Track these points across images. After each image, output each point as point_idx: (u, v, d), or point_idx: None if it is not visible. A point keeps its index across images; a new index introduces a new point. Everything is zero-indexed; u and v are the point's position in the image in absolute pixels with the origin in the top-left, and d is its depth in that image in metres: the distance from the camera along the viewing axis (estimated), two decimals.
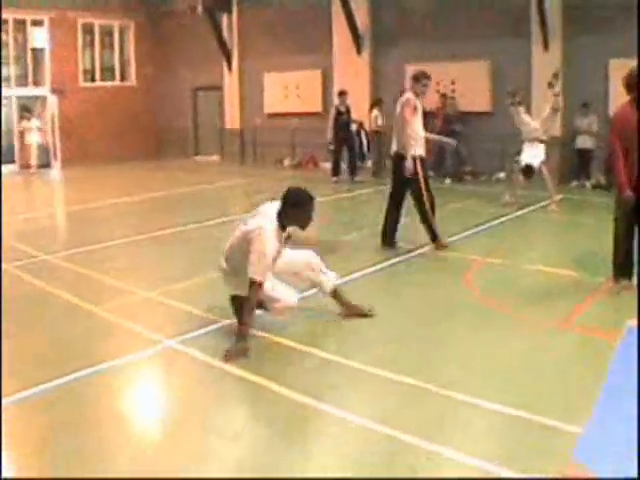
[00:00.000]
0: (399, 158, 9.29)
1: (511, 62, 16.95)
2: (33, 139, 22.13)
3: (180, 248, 9.95)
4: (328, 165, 19.97)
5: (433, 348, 5.91)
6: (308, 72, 21.14)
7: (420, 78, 9.40)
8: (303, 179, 17.31)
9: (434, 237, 9.44)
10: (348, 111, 17.76)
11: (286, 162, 21.84)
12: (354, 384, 5.17)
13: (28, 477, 4.08)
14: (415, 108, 9.22)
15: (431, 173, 17.25)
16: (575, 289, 7.60)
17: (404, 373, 5.22)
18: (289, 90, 21.75)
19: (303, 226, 6.11)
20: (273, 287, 6.17)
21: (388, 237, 9.52)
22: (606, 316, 6.63)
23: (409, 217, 10.01)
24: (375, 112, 18.12)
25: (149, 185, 17.77)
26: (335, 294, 6.58)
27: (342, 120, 17.59)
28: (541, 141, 12.60)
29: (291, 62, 21.29)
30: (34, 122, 22.24)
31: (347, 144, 17.85)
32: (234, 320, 6.18)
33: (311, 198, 6.06)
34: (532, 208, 12.78)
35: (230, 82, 23.49)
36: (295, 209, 5.99)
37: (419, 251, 9.37)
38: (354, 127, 18.32)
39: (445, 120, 17.24)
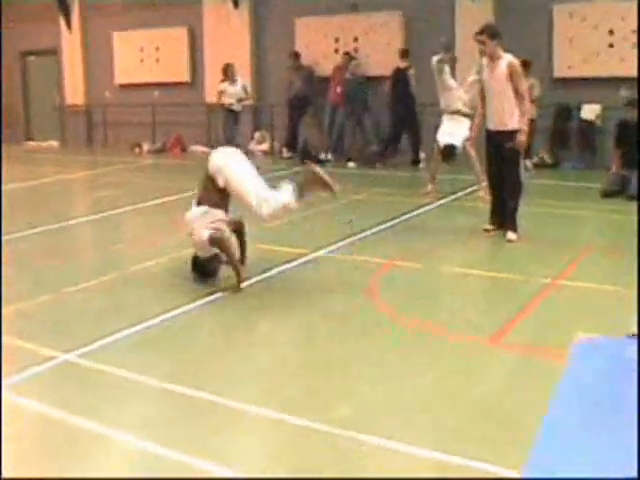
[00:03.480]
0: (502, 134, 9.84)
1: (428, 13, 17.18)
2: None
3: (4, 264, 9.66)
4: (199, 148, 19.88)
5: (323, 379, 5.90)
6: (170, 30, 20.95)
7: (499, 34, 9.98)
8: (170, 170, 17.14)
9: (514, 225, 9.94)
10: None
11: (146, 147, 21.60)
12: (228, 430, 5.12)
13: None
14: None
15: (325, 156, 17.78)
16: (509, 295, 7.75)
17: (288, 411, 5.19)
18: (146, 53, 21.52)
19: None
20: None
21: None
22: (548, 328, 6.75)
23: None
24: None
25: None
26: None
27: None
28: (464, 114, 12.68)
29: (148, 18, 21.08)
30: None
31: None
32: (75, 353, 6.19)
33: None
34: (457, 196, 12.98)
35: (70, 44, 23.08)
36: None
37: (313, 254, 9.39)
38: None
39: (345, 85, 17.37)
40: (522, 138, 9.74)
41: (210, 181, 8.15)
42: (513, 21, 15.88)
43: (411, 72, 16.30)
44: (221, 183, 8.05)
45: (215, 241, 7.98)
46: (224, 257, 8.13)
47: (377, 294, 7.92)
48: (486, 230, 10.24)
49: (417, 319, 7.11)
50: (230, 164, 8.17)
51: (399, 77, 16.54)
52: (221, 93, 17.85)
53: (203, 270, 8.26)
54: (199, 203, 8.21)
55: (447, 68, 12.88)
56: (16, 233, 11.04)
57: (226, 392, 5.55)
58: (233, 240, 8.34)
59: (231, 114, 17.81)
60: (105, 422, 5.17)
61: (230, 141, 17.42)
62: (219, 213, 8.16)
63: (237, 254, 8.30)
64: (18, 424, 5.41)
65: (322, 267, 9.12)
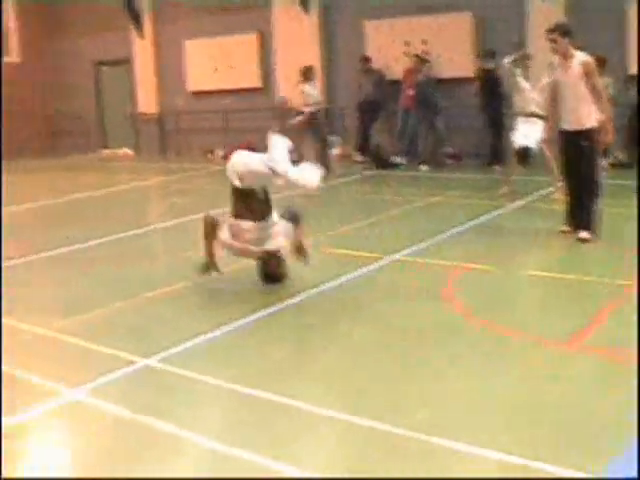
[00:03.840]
0: (578, 133, 9.75)
1: (498, 13, 17.09)
2: None
3: (80, 271, 9.84)
4: None
5: (399, 382, 5.91)
6: (241, 37, 21.12)
7: (571, 32, 9.92)
8: None
9: (589, 225, 9.83)
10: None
11: (218, 152, 21.77)
12: (308, 432, 5.16)
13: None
14: None
15: (398, 159, 17.76)
16: (585, 298, 7.68)
17: (369, 415, 5.22)
18: (217, 60, 21.71)
19: None
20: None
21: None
22: (626, 331, 6.66)
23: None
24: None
25: (39, 190, 17.64)
26: None
27: None
28: (539, 116, 12.50)
29: (219, 25, 21.26)
30: None
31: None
32: (154, 358, 6.31)
33: None
34: (532, 197, 12.88)
35: (142, 54, 23.40)
36: None
37: (389, 259, 9.41)
38: None
39: (418, 89, 17.33)
40: (607, 137, 9.64)
41: (247, 195, 8.25)
42: (584, 19, 15.64)
43: (499, 73, 16.10)
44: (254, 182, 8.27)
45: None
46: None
47: (453, 297, 7.92)
48: (562, 232, 10.13)
49: (493, 322, 7.10)
50: (248, 160, 8.37)
51: (486, 79, 16.36)
52: (303, 95, 17.65)
53: (273, 276, 8.35)
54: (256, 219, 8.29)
55: (519, 70, 12.78)
56: (92, 240, 11.26)
57: (301, 395, 5.60)
58: None
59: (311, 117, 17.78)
60: (183, 425, 5.26)
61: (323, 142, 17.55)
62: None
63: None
64: (98, 427, 5.53)
65: (397, 270, 9.13)
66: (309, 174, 8.44)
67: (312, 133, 17.47)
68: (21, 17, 24.99)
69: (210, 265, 8.44)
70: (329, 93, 19.88)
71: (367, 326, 7.24)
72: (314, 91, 17.64)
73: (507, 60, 12.66)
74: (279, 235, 8.19)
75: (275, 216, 8.30)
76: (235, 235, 8.18)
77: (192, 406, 5.74)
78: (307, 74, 17.69)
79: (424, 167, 17.15)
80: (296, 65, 18.66)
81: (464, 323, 7.18)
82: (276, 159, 8.17)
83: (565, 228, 10.14)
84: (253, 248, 8.17)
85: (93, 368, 6.47)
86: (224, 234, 8.23)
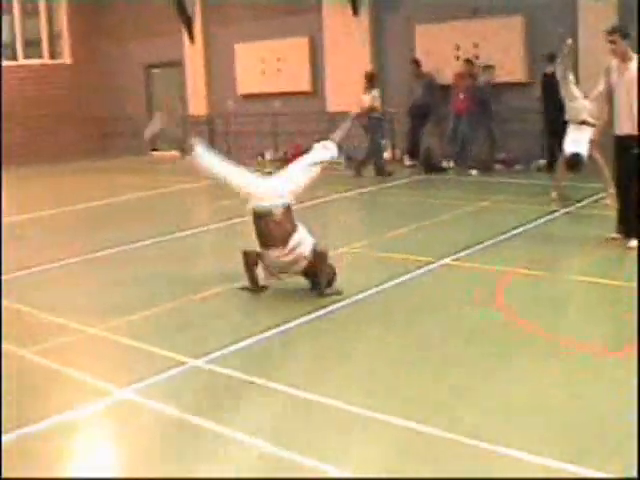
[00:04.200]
0: (631, 138, 9.66)
1: (550, 15, 16.96)
2: None
3: (128, 271, 9.94)
4: None
5: (446, 386, 5.93)
6: (291, 40, 21.20)
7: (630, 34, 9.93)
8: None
9: None
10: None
11: (268, 155, 21.89)
12: (348, 433, 5.20)
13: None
14: None
15: (446, 164, 17.71)
16: (636, 306, 7.60)
17: (415, 418, 5.23)
18: (267, 64, 21.80)
19: None
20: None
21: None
22: None
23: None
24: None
25: (89, 191, 17.85)
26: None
27: None
28: (590, 124, 12.27)
29: (269, 28, 21.35)
30: None
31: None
32: (206, 359, 6.45)
33: None
34: (583, 203, 12.80)
35: (192, 56, 23.57)
36: None
37: (438, 263, 9.41)
38: None
39: (478, 93, 17.23)
40: None
41: (262, 219, 8.36)
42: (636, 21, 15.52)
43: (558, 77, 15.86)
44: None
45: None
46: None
47: (502, 302, 7.90)
48: (612, 239, 10.05)
49: (541, 327, 7.08)
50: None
51: (546, 83, 16.15)
52: (373, 99, 17.68)
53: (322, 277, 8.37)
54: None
55: (571, 76, 12.59)
56: (141, 241, 11.37)
57: (346, 397, 5.64)
58: None
59: (378, 122, 17.87)
60: (229, 425, 5.33)
61: (380, 150, 17.59)
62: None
63: None
64: (146, 426, 5.60)
65: (446, 274, 9.14)
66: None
67: (374, 137, 17.50)
68: (72, 19, 25.29)
69: (257, 291, 8.51)
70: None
71: (414, 329, 7.25)
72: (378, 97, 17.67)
73: (558, 60, 12.50)
74: (304, 241, 8.26)
75: (300, 232, 8.34)
76: (269, 265, 8.36)
77: (238, 406, 5.81)
78: (373, 80, 17.79)
79: (474, 172, 17.09)
80: (346, 69, 18.77)
81: (512, 328, 7.17)
82: (316, 157, 8.84)
83: (615, 235, 10.05)
84: (288, 272, 8.37)
85: (142, 368, 6.55)
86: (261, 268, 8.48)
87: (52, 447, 5.33)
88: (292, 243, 8.13)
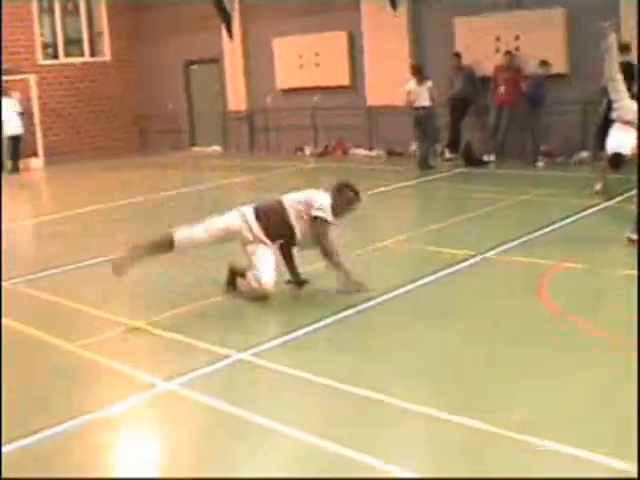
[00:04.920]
0: None
1: (592, 7, 16.80)
2: None
3: (171, 267, 9.99)
4: (360, 151, 20.10)
5: (493, 380, 5.93)
6: (330, 34, 21.19)
7: None
8: (331, 173, 17.27)
9: None
10: None
11: (308, 150, 21.91)
12: (392, 426, 5.22)
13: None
14: None
15: (486, 157, 17.63)
16: None
17: (459, 412, 5.25)
18: (306, 59, 21.81)
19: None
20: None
21: None
22: None
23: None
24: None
25: (130, 188, 17.99)
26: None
27: None
28: (635, 125, 12.00)
29: (307, 23, 21.36)
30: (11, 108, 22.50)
31: None
32: (250, 352, 6.55)
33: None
34: (626, 196, 12.70)
35: (231, 52, 23.62)
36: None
37: (480, 257, 9.39)
38: None
39: (533, 86, 17.08)
40: None
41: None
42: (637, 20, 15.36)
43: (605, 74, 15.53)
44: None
45: None
46: None
47: (546, 296, 7.88)
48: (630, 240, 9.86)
49: (586, 321, 7.06)
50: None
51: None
52: (410, 93, 17.57)
53: None
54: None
55: (619, 75, 12.30)
56: None
57: (391, 390, 5.67)
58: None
59: (432, 113, 17.73)
60: (274, 417, 5.37)
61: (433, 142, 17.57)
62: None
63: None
64: (191, 419, 5.65)
65: (488, 268, 9.13)
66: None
67: (425, 129, 17.45)
68: (112, 17, 25.42)
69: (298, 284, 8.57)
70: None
71: (458, 323, 7.26)
72: (422, 89, 17.53)
73: (602, 46, 11.98)
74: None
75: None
76: None
77: (283, 399, 5.85)
78: (423, 72, 17.73)
79: (540, 163, 16.86)
80: (385, 63, 18.74)
81: (557, 322, 7.17)
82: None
83: (632, 236, 9.86)
84: None
85: (186, 361, 6.62)
86: None
87: (99, 439, 5.41)
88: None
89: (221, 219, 8.32)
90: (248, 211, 8.24)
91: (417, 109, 17.41)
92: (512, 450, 4.79)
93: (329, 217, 8.04)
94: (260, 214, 8.18)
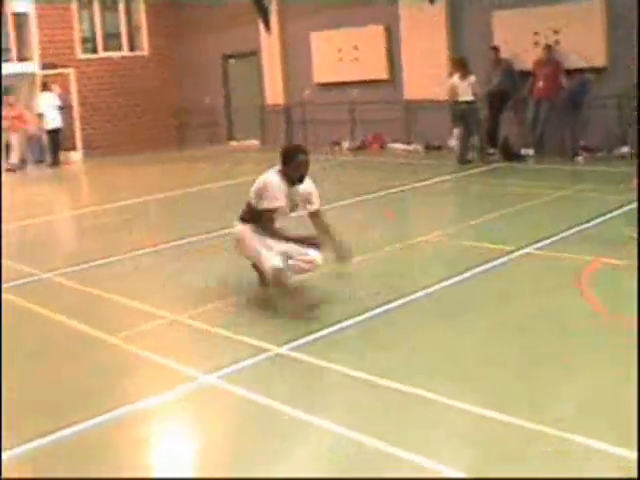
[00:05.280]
0: None
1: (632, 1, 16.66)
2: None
3: (211, 259, 10.06)
4: (398, 146, 20.08)
5: (534, 377, 5.92)
6: (368, 28, 21.16)
7: None
8: (368, 167, 17.24)
9: None
10: None
11: (345, 144, 21.90)
12: (438, 422, 5.23)
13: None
14: None
15: (525, 151, 17.52)
16: None
17: (501, 409, 5.24)
18: (344, 52, 21.79)
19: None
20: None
21: None
22: None
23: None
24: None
25: (168, 181, 18.14)
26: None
27: None
28: None
29: (345, 17, 21.35)
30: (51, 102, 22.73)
31: None
32: (288, 346, 6.58)
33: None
34: None
35: (269, 46, 23.65)
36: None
37: (519, 252, 9.36)
38: None
39: (551, 79, 17.01)
40: None
41: None
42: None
43: None
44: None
45: None
46: None
47: (587, 292, 7.85)
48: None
49: (628, 318, 6.99)
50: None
51: None
52: (453, 88, 17.51)
53: None
54: None
55: None
56: (223, 230, 11.46)
57: (430, 386, 5.67)
58: None
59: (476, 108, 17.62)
60: (312, 411, 5.41)
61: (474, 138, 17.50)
62: None
63: None
64: (230, 412, 5.69)
65: (527, 264, 9.08)
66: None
67: (467, 125, 17.38)
68: (150, 12, 25.54)
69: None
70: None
71: (497, 319, 7.25)
72: (465, 84, 17.43)
73: None
74: None
75: None
76: None
77: (322, 393, 5.88)
78: (468, 66, 17.60)
79: (580, 158, 16.71)
80: (423, 57, 18.67)
81: (598, 318, 7.13)
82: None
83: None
84: None
85: (226, 354, 6.66)
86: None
87: (138, 431, 5.47)
88: None
89: None
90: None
91: (460, 104, 17.35)
92: (560, 449, 4.77)
93: (271, 204, 7.88)
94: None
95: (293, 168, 7.90)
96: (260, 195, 7.91)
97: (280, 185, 7.87)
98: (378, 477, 4.58)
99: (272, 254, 7.74)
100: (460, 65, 17.63)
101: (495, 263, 8.99)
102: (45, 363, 6.86)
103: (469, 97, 17.24)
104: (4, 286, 9.06)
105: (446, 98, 17.73)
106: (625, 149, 16.39)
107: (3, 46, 23.04)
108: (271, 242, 7.83)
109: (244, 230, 8.03)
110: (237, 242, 8.18)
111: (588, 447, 4.70)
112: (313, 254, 7.87)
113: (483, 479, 4.47)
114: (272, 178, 7.92)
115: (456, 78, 17.46)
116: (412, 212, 13.19)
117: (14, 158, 22.41)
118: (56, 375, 6.55)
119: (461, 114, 17.42)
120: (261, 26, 23.47)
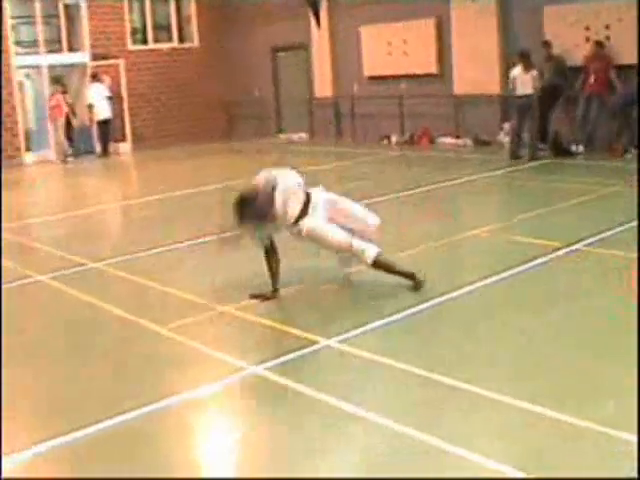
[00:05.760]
0: None
1: None
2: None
3: (257, 252, 10.05)
4: (447, 140, 20.01)
5: (582, 375, 5.89)
6: (418, 22, 21.08)
7: None
8: (417, 162, 17.19)
9: None
10: None
11: (394, 138, 21.86)
12: (484, 417, 5.23)
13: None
14: None
15: (576, 148, 17.37)
16: None
17: (548, 404, 5.23)
18: (394, 46, 21.73)
19: None
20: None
21: None
22: None
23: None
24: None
25: (217, 172, 18.25)
26: (377, 264, 7.84)
27: None
28: None
29: (395, 10, 21.27)
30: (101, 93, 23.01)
31: None
32: (334, 339, 6.59)
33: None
34: None
35: (318, 40, 23.65)
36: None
37: (569, 248, 9.30)
38: None
39: (602, 75, 16.85)
40: None
41: None
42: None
43: None
44: None
45: None
46: None
47: (636, 290, 7.75)
48: None
49: None
50: None
51: None
52: (514, 80, 17.29)
53: None
54: None
55: None
56: None
57: (478, 380, 5.69)
58: None
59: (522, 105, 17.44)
60: (359, 404, 5.42)
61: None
62: None
63: None
64: (278, 404, 5.71)
65: (577, 261, 9.03)
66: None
67: (524, 119, 17.25)
68: (200, 3, 25.65)
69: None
70: (506, 80, 19.59)
71: (545, 316, 7.21)
72: (527, 77, 17.21)
73: None
74: None
75: None
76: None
77: (370, 386, 5.88)
78: (530, 60, 17.35)
79: (629, 155, 16.53)
80: (474, 52, 18.55)
81: None
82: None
83: None
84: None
85: (274, 346, 6.74)
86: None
87: (186, 421, 5.52)
88: None
89: None
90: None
91: (520, 97, 17.18)
92: (597, 443, 4.76)
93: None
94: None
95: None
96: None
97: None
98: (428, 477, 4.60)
99: (363, 242, 7.86)
100: (524, 57, 17.44)
101: (546, 259, 8.93)
102: (95, 352, 6.94)
103: (529, 90, 17.06)
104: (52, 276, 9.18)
105: (497, 93, 17.61)
106: None
107: (54, 37, 23.39)
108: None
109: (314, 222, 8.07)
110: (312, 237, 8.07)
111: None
112: (372, 220, 8.14)
113: (542, 479, 4.46)
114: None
115: (518, 70, 17.29)
116: (463, 206, 13.14)
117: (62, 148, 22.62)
118: (107, 364, 6.62)
119: (518, 107, 17.28)
120: (311, 19, 23.46)
